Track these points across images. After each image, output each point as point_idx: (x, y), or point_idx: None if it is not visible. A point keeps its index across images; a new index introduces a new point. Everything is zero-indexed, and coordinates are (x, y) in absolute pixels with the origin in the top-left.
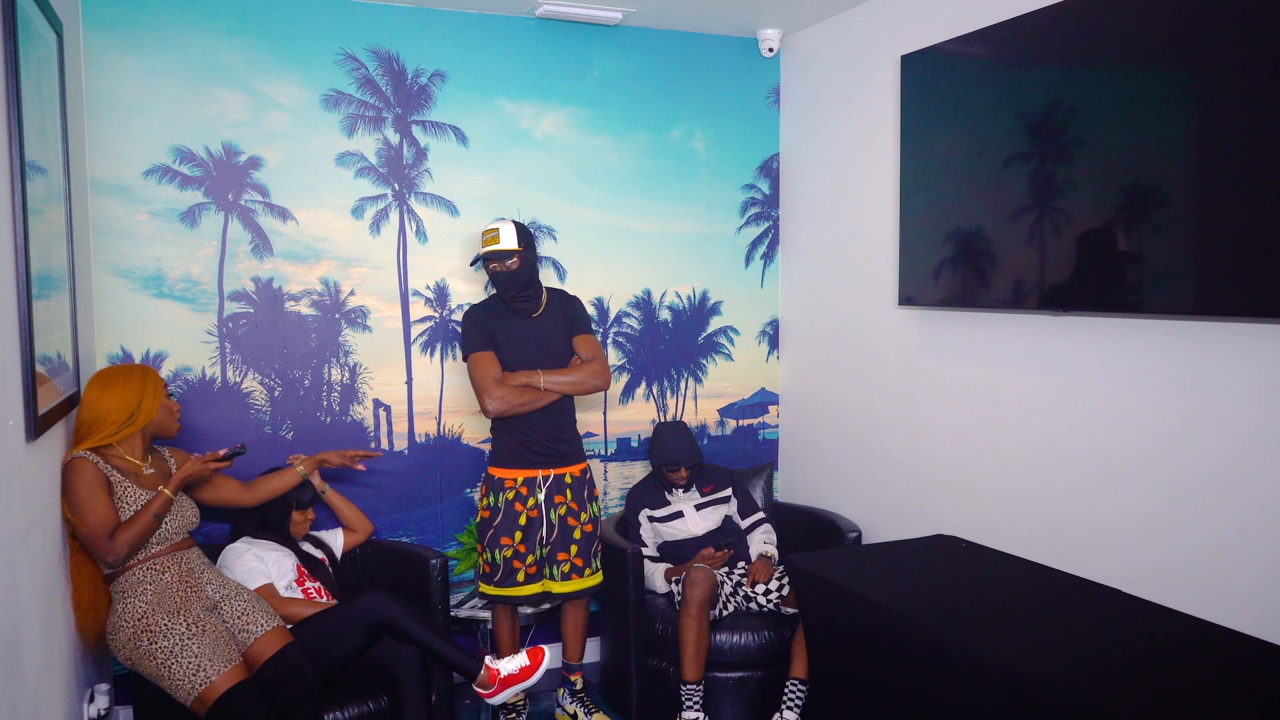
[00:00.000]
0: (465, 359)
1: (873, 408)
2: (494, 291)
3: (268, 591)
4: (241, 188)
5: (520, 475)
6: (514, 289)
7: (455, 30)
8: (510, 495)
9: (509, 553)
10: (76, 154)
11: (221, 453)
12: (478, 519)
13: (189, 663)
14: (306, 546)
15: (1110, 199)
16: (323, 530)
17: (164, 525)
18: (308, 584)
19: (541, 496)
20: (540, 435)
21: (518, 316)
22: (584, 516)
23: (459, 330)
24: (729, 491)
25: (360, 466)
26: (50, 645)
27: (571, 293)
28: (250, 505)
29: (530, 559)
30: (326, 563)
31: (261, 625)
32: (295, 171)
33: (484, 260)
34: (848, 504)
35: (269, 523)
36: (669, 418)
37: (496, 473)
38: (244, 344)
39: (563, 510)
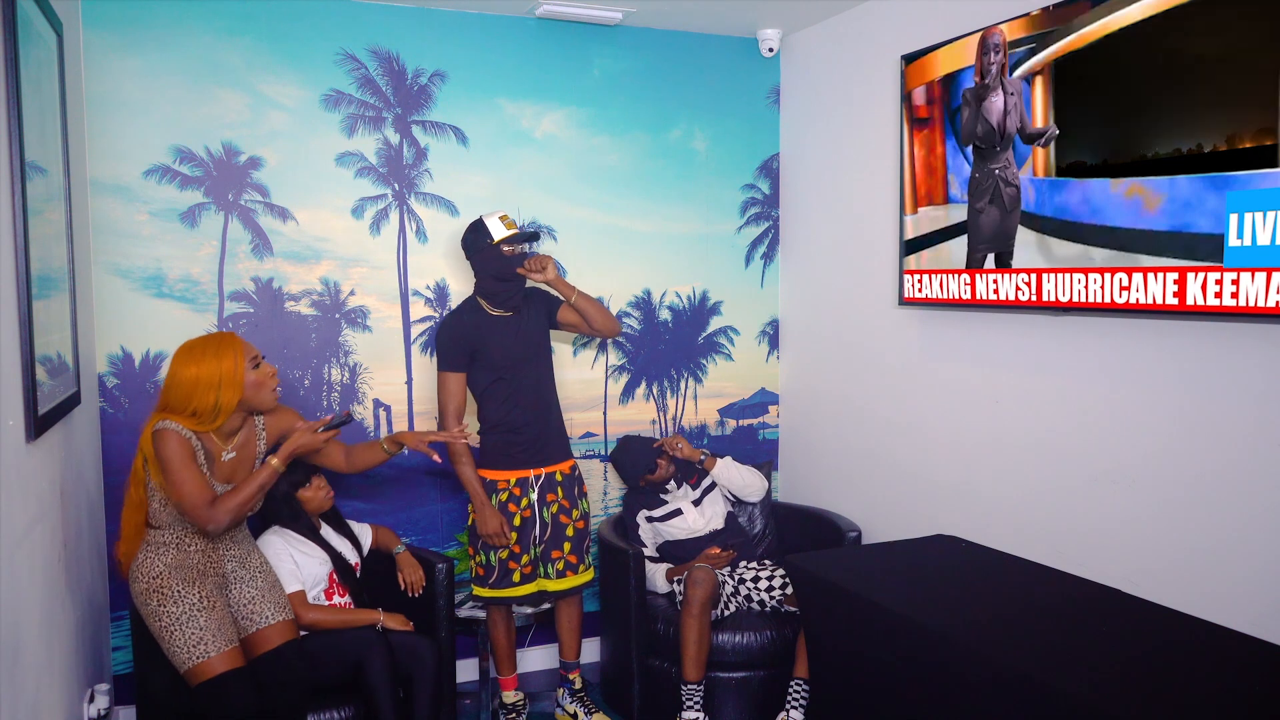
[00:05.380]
0: (438, 369)
1: (873, 408)
2: (472, 293)
3: (299, 599)
4: (241, 188)
5: (512, 476)
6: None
7: (455, 30)
8: (504, 497)
9: (504, 554)
10: (76, 154)
11: (328, 419)
12: (469, 522)
13: (192, 634)
14: (344, 549)
15: None
16: (354, 523)
17: None
18: (336, 598)
19: (534, 496)
20: (530, 434)
21: (498, 318)
22: (575, 514)
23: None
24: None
25: (436, 457)
26: (50, 645)
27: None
28: (347, 473)
29: (525, 559)
30: (358, 569)
31: (266, 617)
32: (295, 171)
33: (495, 245)
34: (848, 504)
35: (285, 512)
36: (669, 418)
37: (488, 475)
38: None
39: (555, 509)
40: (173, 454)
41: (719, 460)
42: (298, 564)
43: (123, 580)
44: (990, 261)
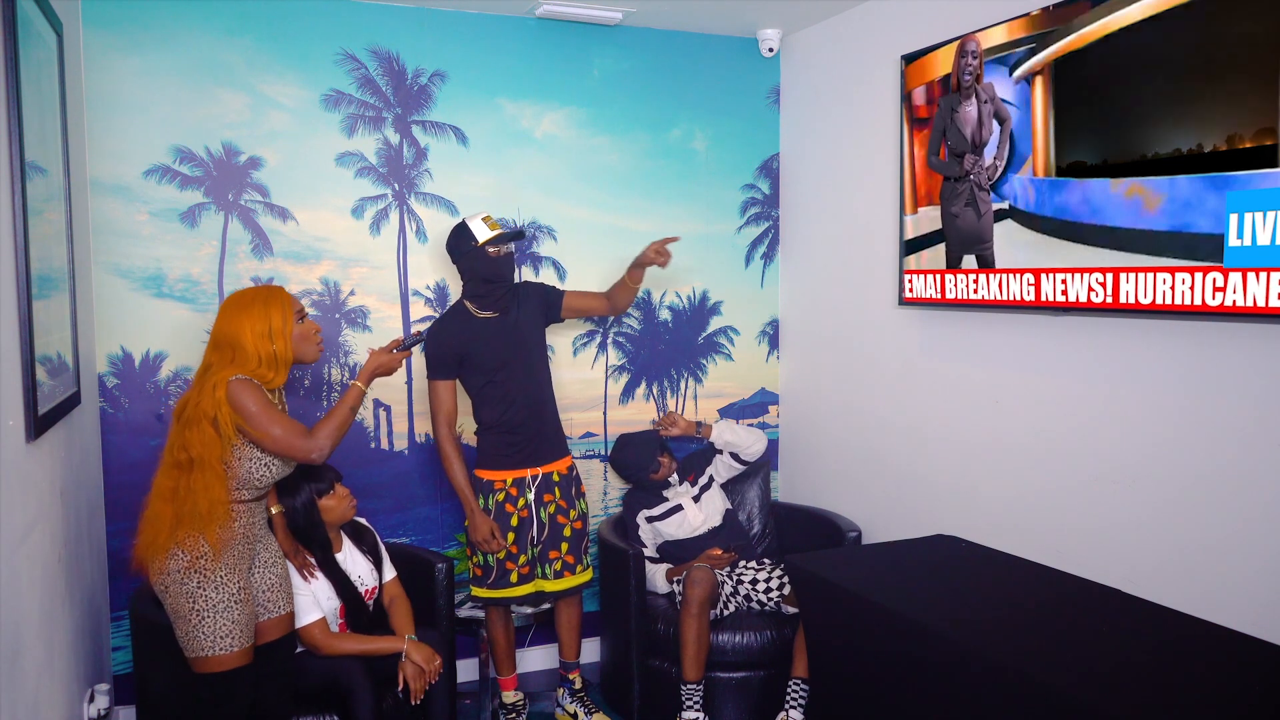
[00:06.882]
0: (428, 378)
1: (873, 408)
2: (459, 297)
3: (320, 627)
4: (241, 188)
5: (509, 476)
6: (508, 272)
7: (455, 30)
8: (500, 497)
9: (502, 554)
10: (76, 154)
11: (400, 340)
12: (466, 523)
13: (223, 626)
14: (363, 571)
15: None
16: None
17: (272, 470)
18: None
19: (531, 496)
20: (525, 434)
21: (484, 320)
22: (573, 514)
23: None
24: (708, 467)
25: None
26: (50, 645)
27: (529, 280)
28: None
29: (523, 559)
30: (371, 598)
31: (279, 607)
32: (295, 171)
33: (480, 247)
34: (848, 504)
35: (302, 521)
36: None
37: (485, 475)
38: None
39: (552, 509)
40: (253, 398)
41: (715, 425)
42: (315, 593)
43: (123, 580)
44: (969, 263)
